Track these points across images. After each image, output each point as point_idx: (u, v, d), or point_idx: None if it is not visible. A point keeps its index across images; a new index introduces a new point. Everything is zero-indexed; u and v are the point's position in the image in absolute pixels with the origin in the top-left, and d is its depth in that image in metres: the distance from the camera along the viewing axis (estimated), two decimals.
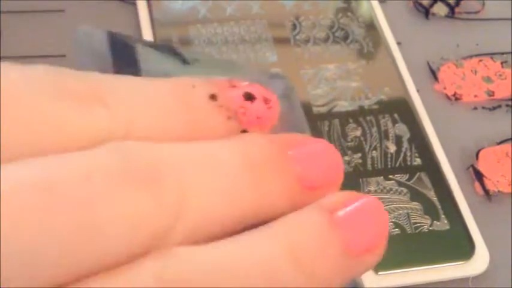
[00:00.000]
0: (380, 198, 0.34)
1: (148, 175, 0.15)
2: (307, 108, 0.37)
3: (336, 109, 0.38)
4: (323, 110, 0.37)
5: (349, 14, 0.42)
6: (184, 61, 0.20)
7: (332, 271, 0.16)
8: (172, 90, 0.17)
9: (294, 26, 0.41)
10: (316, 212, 0.17)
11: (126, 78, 0.17)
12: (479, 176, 0.36)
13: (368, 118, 0.37)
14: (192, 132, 0.17)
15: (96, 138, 0.16)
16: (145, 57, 0.19)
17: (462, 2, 0.44)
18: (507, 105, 0.40)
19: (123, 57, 0.19)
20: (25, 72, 0.16)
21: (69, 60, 0.36)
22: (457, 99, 0.40)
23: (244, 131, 0.18)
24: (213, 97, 0.17)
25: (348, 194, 0.17)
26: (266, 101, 0.18)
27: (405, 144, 0.37)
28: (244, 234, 0.16)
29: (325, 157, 0.18)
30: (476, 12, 0.44)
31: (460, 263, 0.33)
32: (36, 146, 0.15)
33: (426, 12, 0.43)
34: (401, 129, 0.37)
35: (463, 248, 0.33)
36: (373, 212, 0.17)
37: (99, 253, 0.15)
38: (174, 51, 0.20)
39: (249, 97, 0.18)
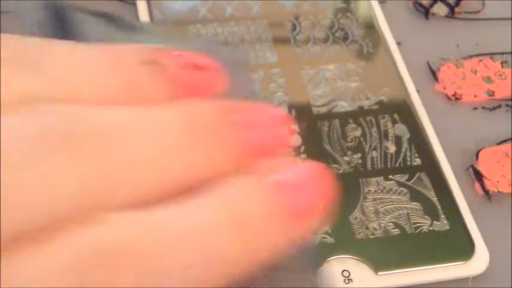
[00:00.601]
0: (380, 199, 0.34)
1: (70, 139, 0.15)
2: (307, 108, 0.37)
3: (335, 109, 0.38)
4: (323, 110, 0.37)
5: (348, 14, 0.42)
6: (127, 28, 0.19)
7: (274, 234, 0.16)
8: (108, 54, 0.17)
9: (294, 26, 0.41)
10: (258, 177, 0.16)
11: (57, 42, 0.17)
12: (479, 176, 0.36)
13: (368, 118, 0.37)
14: (129, 98, 0.17)
15: (25, 99, 0.15)
16: (85, 24, 0.19)
17: (462, 2, 0.44)
18: (507, 105, 0.40)
19: (62, 26, 0.19)
20: None
21: None
22: (457, 99, 0.40)
23: None
24: (149, 62, 0.17)
25: (289, 160, 0.17)
26: (206, 70, 0.18)
27: (405, 145, 0.37)
28: (186, 198, 0.16)
29: (271, 125, 0.17)
30: (476, 12, 0.44)
31: (460, 263, 0.33)
32: None
33: (426, 12, 0.43)
34: (401, 129, 0.37)
35: (462, 248, 0.33)
36: (315, 176, 0.17)
37: (21, 218, 0.14)
38: (114, 18, 0.19)
39: (188, 66, 0.17)
